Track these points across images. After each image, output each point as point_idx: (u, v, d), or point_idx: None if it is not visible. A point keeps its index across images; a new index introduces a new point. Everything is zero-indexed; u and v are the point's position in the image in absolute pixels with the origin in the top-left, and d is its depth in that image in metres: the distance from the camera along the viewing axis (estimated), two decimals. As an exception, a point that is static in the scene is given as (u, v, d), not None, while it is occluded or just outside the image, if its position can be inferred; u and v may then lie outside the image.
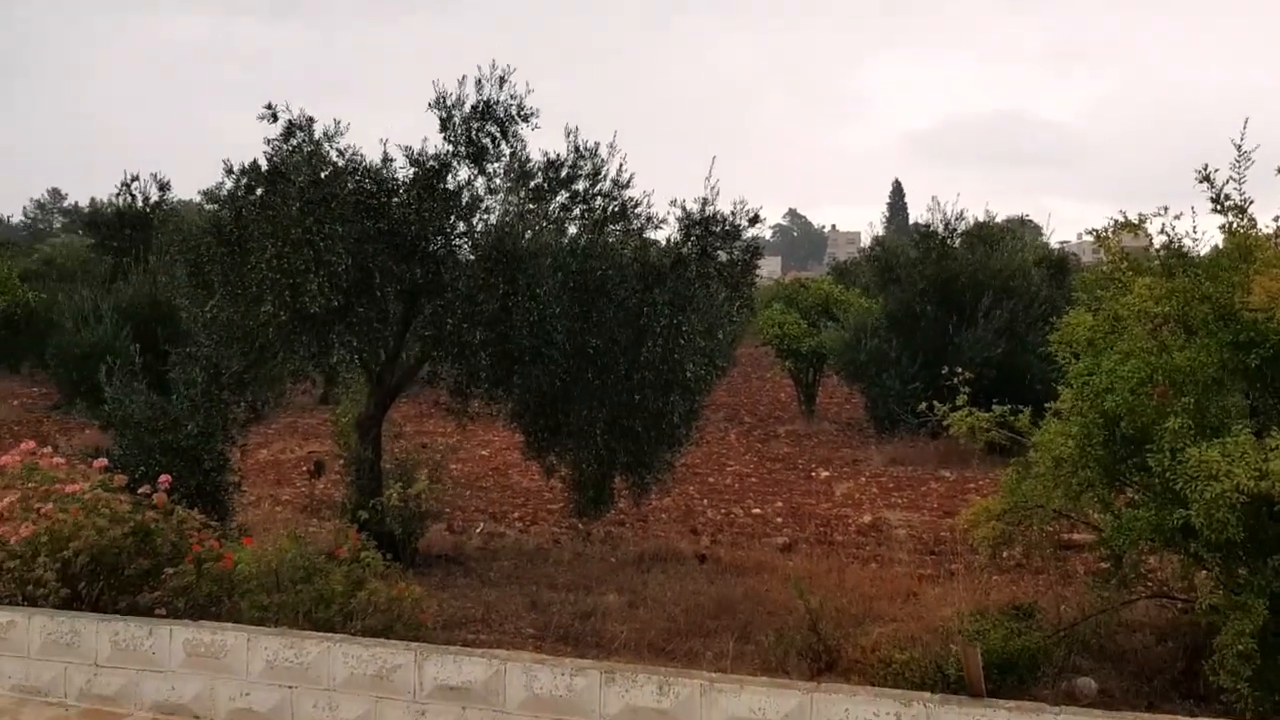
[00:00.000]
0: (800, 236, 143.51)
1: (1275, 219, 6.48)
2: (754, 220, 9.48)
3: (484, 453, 16.19)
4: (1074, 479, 6.44)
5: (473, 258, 9.14)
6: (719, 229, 9.31)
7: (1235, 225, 6.50)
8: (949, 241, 18.96)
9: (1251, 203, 6.45)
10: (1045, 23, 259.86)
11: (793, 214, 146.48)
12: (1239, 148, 6.30)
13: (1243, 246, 6.41)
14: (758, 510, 12.47)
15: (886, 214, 62.33)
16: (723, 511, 12.46)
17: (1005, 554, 7.50)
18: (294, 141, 9.10)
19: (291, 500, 12.61)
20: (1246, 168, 6.33)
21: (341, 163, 8.98)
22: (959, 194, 60.84)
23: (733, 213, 9.35)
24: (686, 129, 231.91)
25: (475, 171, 9.28)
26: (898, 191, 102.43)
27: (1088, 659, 6.56)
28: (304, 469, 14.55)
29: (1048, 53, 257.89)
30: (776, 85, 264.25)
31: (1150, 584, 7.19)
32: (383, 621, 6.32)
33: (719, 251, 9.45)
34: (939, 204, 19.37)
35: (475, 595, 8.59)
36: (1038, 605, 6.98)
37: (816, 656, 6.62)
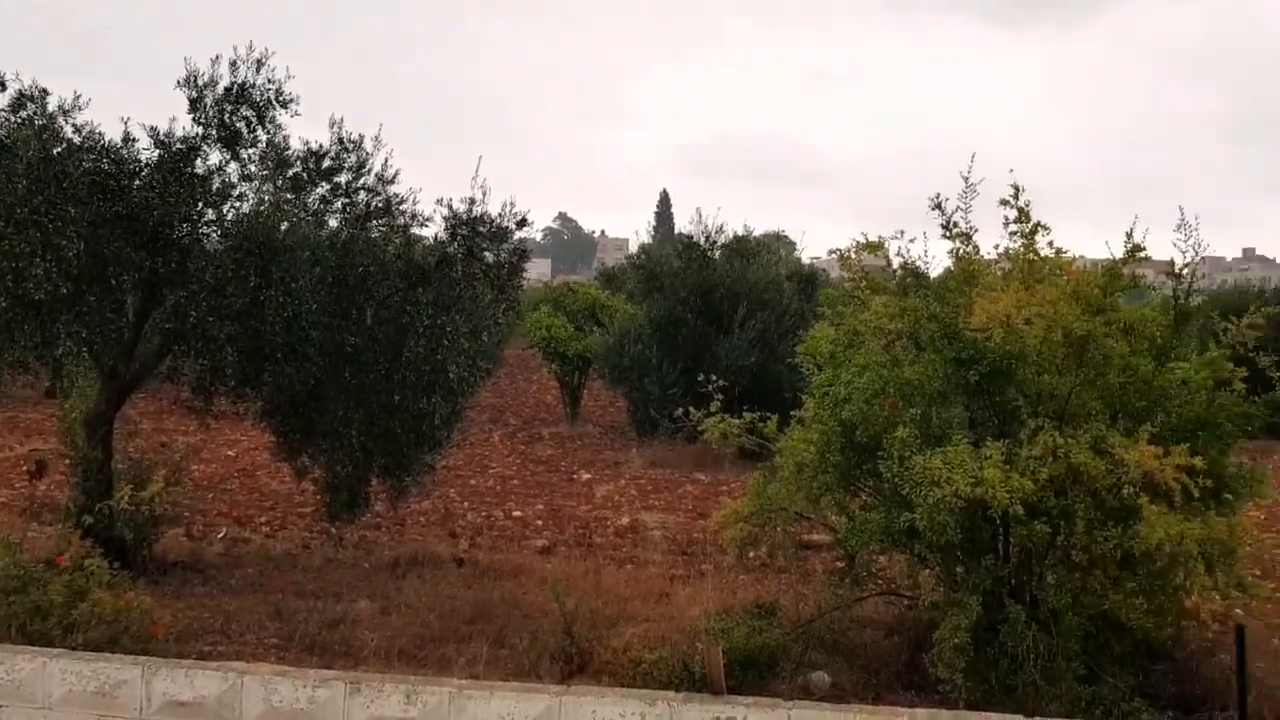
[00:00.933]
0: (571, 240, 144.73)
1: (995, 247, 7.09)
2: (522, 223, 9.47)
3: (230, 453, 15.36)
4: (814, 483, 6.83)
5: (222, 248, 8.65)
6: (486, 229, 9.24)
7: (962, 251, 7.09)
8: (710, 253, 19.64)
9: (976, 231, 7.06)
10: (806, 49, 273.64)
11: (564, 217, 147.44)
12: (966, 180, 6.88)
13: (967, 271, 7.00)
14: (519, 513, 12.46)
15: (654, 223, 63.83)
16: (483, 514, 12.37)
17: (752, 554, 7.83)
18: (24, 114, 8.33)
19: (8, 503, 11.52)
20: (972, 199, 6.92)
21: (78, 139, 8.28)
22: (719, 208, 63.32)
23: (501, 214, 9.30)
24: (461, 128, 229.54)
25: (228, 157, 8.78)
26: (665, 201, 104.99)
27: (823, 654, 6.94)
28: (24, 469, 13.32)
29: (809, 76, 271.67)
30: (552, 89, 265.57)
31: (880, 582, 7.70)
32: (108, 634, 5.89)
33: (486, 252, 9.37)
34: (702, 216, 20.10)
35: (214, 604, 8.13)
36: (779, 603, 7.33)
37: (569, 659, 6.68)
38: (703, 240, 19.85)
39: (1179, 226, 6.84)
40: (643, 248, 25.45)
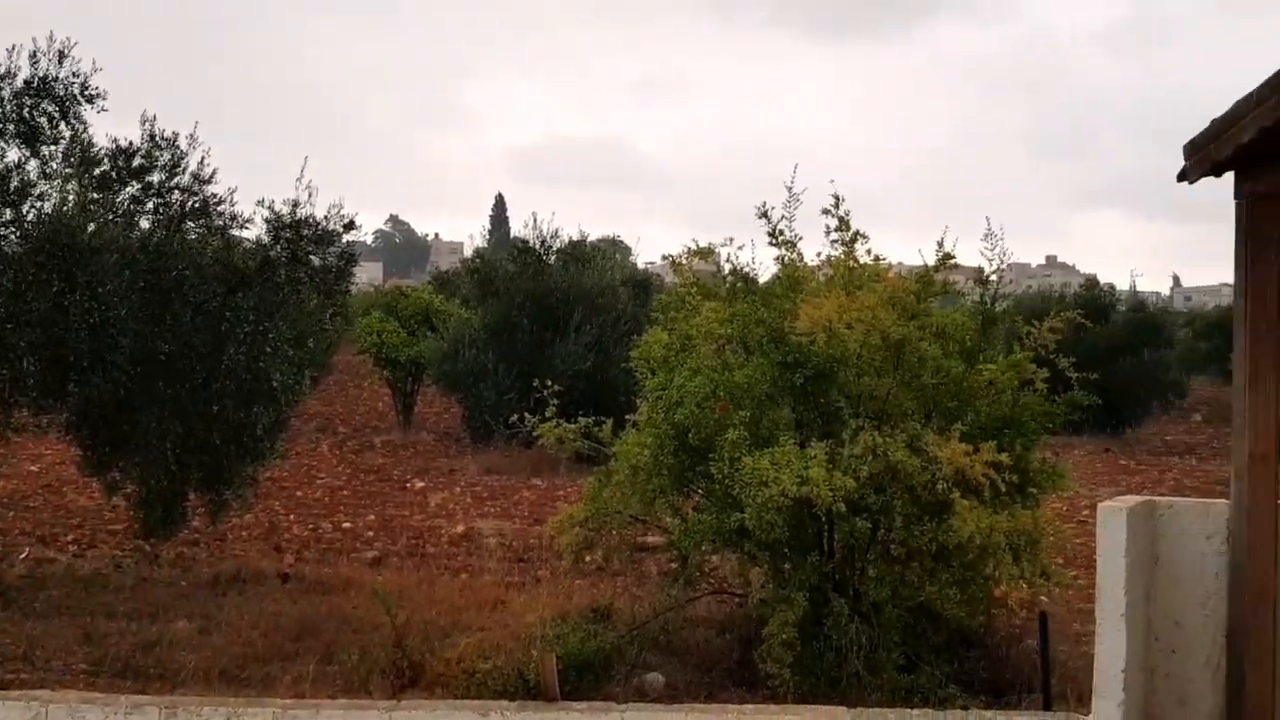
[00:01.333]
0: (403, 243, 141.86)
1: (818, 254, 7.34)
2: (350, 225, 9.21)
3: (33, 468, 14.37)
4: (649, 486, 6.90)
5: (22, 250, 8.07)
6: (311, 232, 8.93)
7: (787, 258, 7.31)
8: (545, 258, 19.61)
9: (801, 239, 7.29)
10: (638, 57, 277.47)
11: (395, 220, 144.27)
12: (790, 189, 7.09)
13: (792, 277, 7.22)
14: (348, 524, 12.12)
15: (489, 226, 63.32)
16: (310, 527, 11.97)
17: (588, 559, 7.86)
18: None
19: None
20: (796, 208, 7.14)
21: None
22: (555, 212, 63.26)
23: (328, 216, 9.01)
24: (287, 128, 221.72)
25: (27, 154, 8.23)
26: (500, 205, 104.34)
27: (657, 655, 7.02)
28: None
29: (641, 84, 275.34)
30: (382, 88, 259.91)
31: (712, 581, 7.85)
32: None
33: (312, 256, 9.07)
34: (537, 220, 20.04)
35: (16, 630, 7.58)
36: (614, 607, 7.38)
37: (401, 673, 6.53)
38: (538, 245, 19.80)
39: (986, 235, 7.27)
40: (478, 252, 25.25)
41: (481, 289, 20.17)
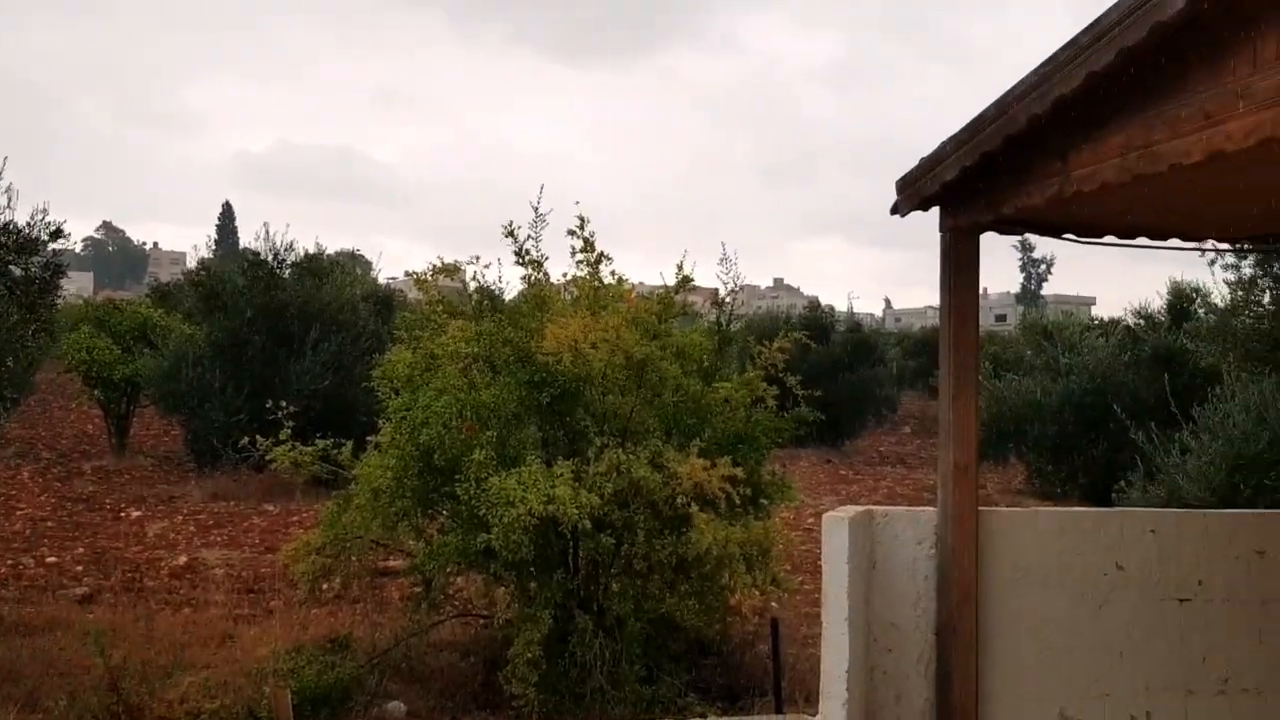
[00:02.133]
0: (118, 252, 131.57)
1: (564, 274, 7.43)
2: (56, 234, 8.46)
3: None
4: (391, 509, 6.72)
5: None
6: (12, 240, 8.15)
7: (533, 277, 7.35)
8: (279, 271, 18.73)
9: (547, 259, 7.35)
10: (376, 67, 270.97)
11: (109, 227, 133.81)
12: (536, 210, 7.14)
13: (539, 297, 7.26)
14: (53, 558, 11.05)
15: (215, 236, 59.54)
16: (10, 562, 10.83)
17: (325, 587, 7.53)
18: None
19: None
20: (543, 228, 7.20)
21: None
22: (289, 224, 60.53)
23: (30, 223, 8.25)
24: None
25: None
26: (228, 214, 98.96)
27: (399, 682, 6.84)
28: None
29: (378, 95, 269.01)
30: (92, 84, 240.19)
31: (457, 604, 7.74)
32: None
33: (12, 266, 8.27)
34: (270, 232, 19.09)
35: None
36: (354, 635, 7.13)
37: (116, 718, 6.02)
38: (271, 257, 18.85)
39: (722, 260, 7.61)
40: (203, 263, 23.67)
41: (207, 303, 18.96)
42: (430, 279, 7.58)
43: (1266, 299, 12.24)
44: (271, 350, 17.61)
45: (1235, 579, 6.18)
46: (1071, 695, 5.99)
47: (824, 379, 22.18)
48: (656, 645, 6.70)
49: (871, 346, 27.73)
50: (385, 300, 22.62)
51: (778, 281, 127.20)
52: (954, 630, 5.75)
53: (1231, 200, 5.17)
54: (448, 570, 6.87)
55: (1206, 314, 14.98)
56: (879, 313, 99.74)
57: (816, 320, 26.96)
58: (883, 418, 28.74)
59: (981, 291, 6.39)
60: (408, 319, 8.44)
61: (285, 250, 19.03)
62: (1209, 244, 6.40)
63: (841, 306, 32.92)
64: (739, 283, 7.90)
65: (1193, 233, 6.15)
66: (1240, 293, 12.51)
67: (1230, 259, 12.37)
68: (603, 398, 6.92)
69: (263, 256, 18.88)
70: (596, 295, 7.24)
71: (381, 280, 28.78)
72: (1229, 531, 6.22)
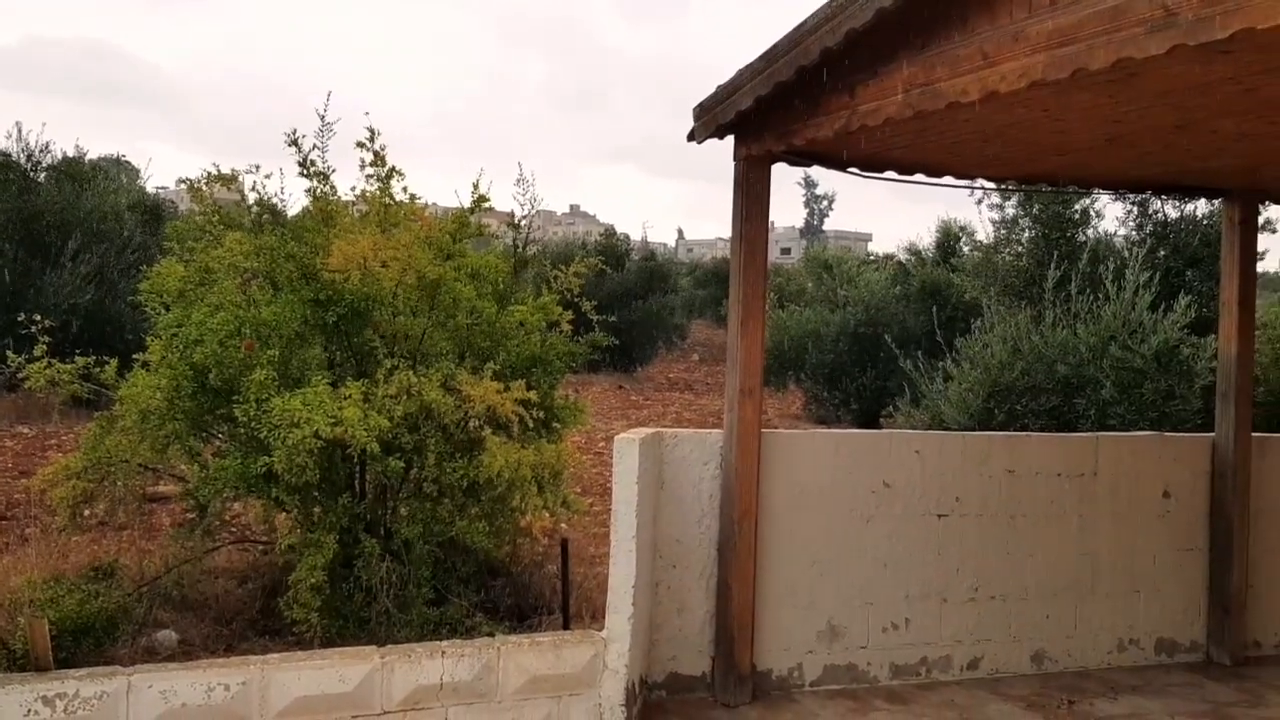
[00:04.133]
0: None
1: (352, 189, 7.11)
2: None
3: None
4: (162, 431, 6.33)
5: None
6: None
7: (319, 190, 6.99)
8: (33, 174, 17.13)
9: (334, 171, 6.98)
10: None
11: None
12: (323, 118, 6.77)
13: (325, 211, 6.93)
14: None
15: (-42, 134, 53.83)
16: None
17: (88, 513, 7.06)
18: None
19: None
20: (329, 138, 6.83)
21: None
22: (45, 124, 55.29)
23: None
24: None
25: None
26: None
27: (170, 611, 6.52)
28: None
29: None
30: None
31: (234, 530, 7.42)
32: None
33: None
34: (23, 131, 17.38)
35: None
36: (120, 564, 6.72)
37: None
38: (24, 159, 17.21)
39: (518, 181, 7.50)
40: (-58, 163, 21.38)
41: (-52, 206, 17.16)
42: (205, 188, 7.09)
43: (1025, 237, 13.20)
44: (25, 260, 16.16)
45: (988, 495, 6.72)
46: (840, 604, 6.40)
47: (618, 306, 22.45)
48: (446, 568, 6.64)
49: (664, 275, 28.20)
50: (154, 210, 21.08)
51: (574, 208, 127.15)
52: (734, 545, 6.00)
53: (1003, 141, 5.50)
54: (225, 495, 6.55)
55: (972, 250, 16.04)
56: (672, 243, 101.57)
57: (612, 248, 27.14)
58: (673, 345, 29.42)
59: (769, 225, 6.56)
60: (179, 229, 7.86)
61: (41, 152, 17.41)
62: (979, 182, 6.81)
63: (636, 235, 33.27)
64: (535, 206, 7.81)
65: (965, 172, 6.52)
66: (1003, 231, 13.44)
67: (996, 199, 13.25)
68: (393, 318, 6.71)
69: (14, 158, 17.20)
70: (388, 212, 6.97)
71: (150, 189, 26.79)
72: (983, 452, 6.75)
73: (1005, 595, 6.75)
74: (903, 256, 20.12)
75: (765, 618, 6.19)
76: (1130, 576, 7.09)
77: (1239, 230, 7.23)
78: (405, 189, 7.10)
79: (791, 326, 17.79)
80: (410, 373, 6.26)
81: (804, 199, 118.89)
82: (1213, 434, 7.38)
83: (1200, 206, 12.39)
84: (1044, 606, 6.84)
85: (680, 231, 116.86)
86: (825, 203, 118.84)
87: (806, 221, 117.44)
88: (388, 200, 7.01)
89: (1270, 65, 4.04)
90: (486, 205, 7.07)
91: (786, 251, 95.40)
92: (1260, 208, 7.70)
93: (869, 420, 16.26)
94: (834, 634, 6.35)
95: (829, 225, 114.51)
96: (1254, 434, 7.39)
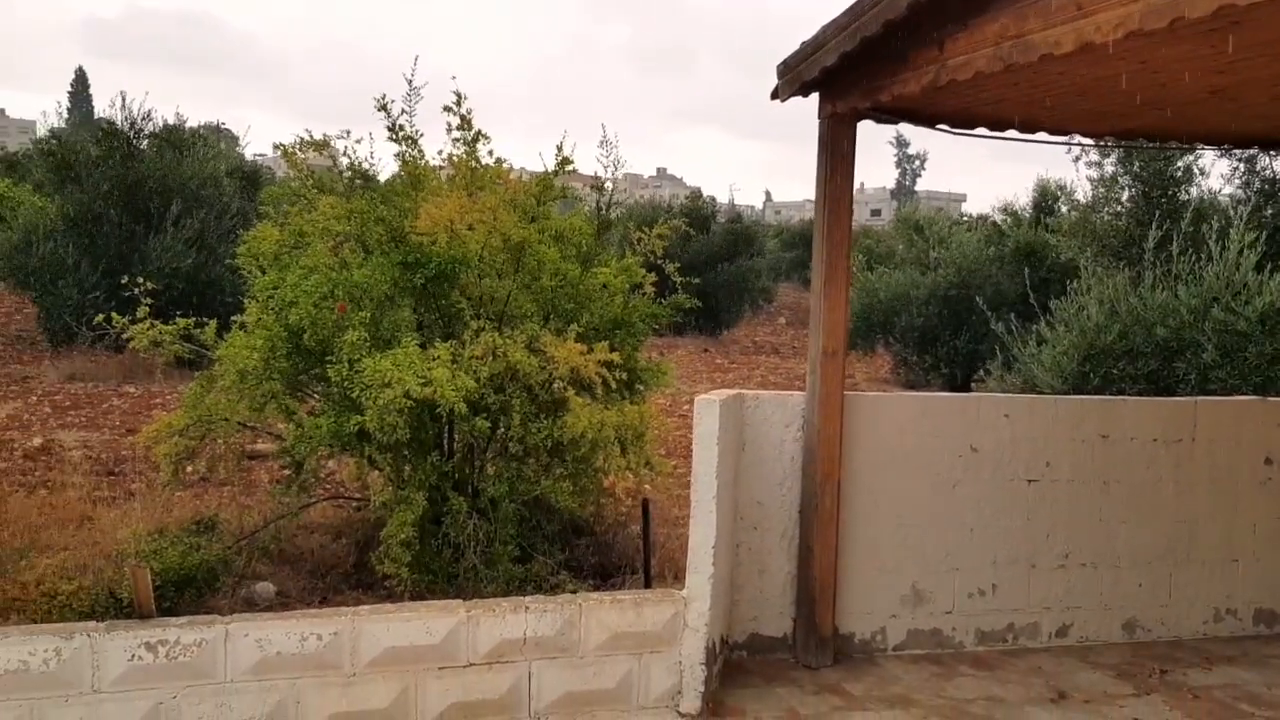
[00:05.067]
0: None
1: (439, 152, 7.20)
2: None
3: None
4: (259, 391, 6.53)
5: None
6: None
7: (408, 154, 7.09)
8: (136, 142, 17.70)
9: (422, 135, 7.09)
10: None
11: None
12: (410, 83, 6.86)
13: (413, 175, 7.03)
14: (-107, 441, 10.48)
15: (68, 105, 55.76)
16: None
17: (189, 469, 7.35)
18: None
19: None
20: (417, 102, 6.92)
21: None
22: (148, 92, 56.85)
23: None
24: None
25: None
26: (81, 81, 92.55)
27: (268, 564, 6.76)
28: None
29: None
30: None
31: (328, 487, 7.65)
32: None
33: None
34: (126, 100, 17.94)
35: None
36: (220, 518, 6.99)
37: (-34, 601, 5.81)
38: (128, 128, 17.78)
39: (601, 143, 7.49)
40: (54, 132, 22.22)
41: (59, 174, 17.86)
42: (299, 153, 7.25)
43: (1125, 196, 12.74)
44: (129, 226, 16.77)
45: (1080, 461, 6.56)
46: (924, 569, 6.33)
47: (703, 269, 22.38)
48: (531, 526, 6.76)
49: (750, 238, 28.00)
50: (251, 176, 21.68)
51: (660, 171, 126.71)
52: (816, 507, 5.97)
53: (1098, 95, 5.31)
54: (319, 453, 6.74)
55: (1069, 210, 15.56)
56: (759, 205, 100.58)
57: (697, 210, 27.02)
58: (759, 308, 29.24)
59: (858, 186, 6.47)
60: (274, 194, 8.07)
61: (143, 120, 17.97)
62: (1074, 139, 6.59)
63: (723, 198, 33.06)
64: (619, 167, 7.80)
65: (1060, 127, 6.31)
66: (1101, 189, 12.99)
67: (1094, 156, 12.80)
68: (479, 280, 6.80)
69: (119, 126, 17.79)
70: (474, 175, 7.04)
71: (248, 156, 27.48)
72: (1076, 417, 6.58)
73: (1097, 562, 6.60)
74: (997, 217, 19.61)
75: (847, 581, 6.16)
76: (1228, 545, 6.86)
77: (1354, 186, 6.87)
78: (491, 152, 7.17)
79: (881, 289, 17.52)
80: (496, 334, 6.35)
81: (895, 159, 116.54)
82: (1321, 399, 7.08)
83: (1314, 162, 11.80)
84: (1137, 574, 6.68)
85: (768, 193, 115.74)
86: (918, 163, 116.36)
87: (898, 182, 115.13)
88: (474, 164, 7.08)
89: (1389, 9, 3.82)
90: (570, 168, 7.09)
91: (877, 213, 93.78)
92: (1379, 162, 7.30)
93: (960, 385, 15.97)
94: (918, 598, 6.29)
95: (921, 186, 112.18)
96: (1366, 400, 7.08)
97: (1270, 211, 11.69)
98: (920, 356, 16.99)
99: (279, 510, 6.92)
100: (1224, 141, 7.33)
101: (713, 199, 31.41)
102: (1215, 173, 17.61)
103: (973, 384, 15.46)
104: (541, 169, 7.14)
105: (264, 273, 6.93)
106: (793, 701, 5.49)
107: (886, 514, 6.24)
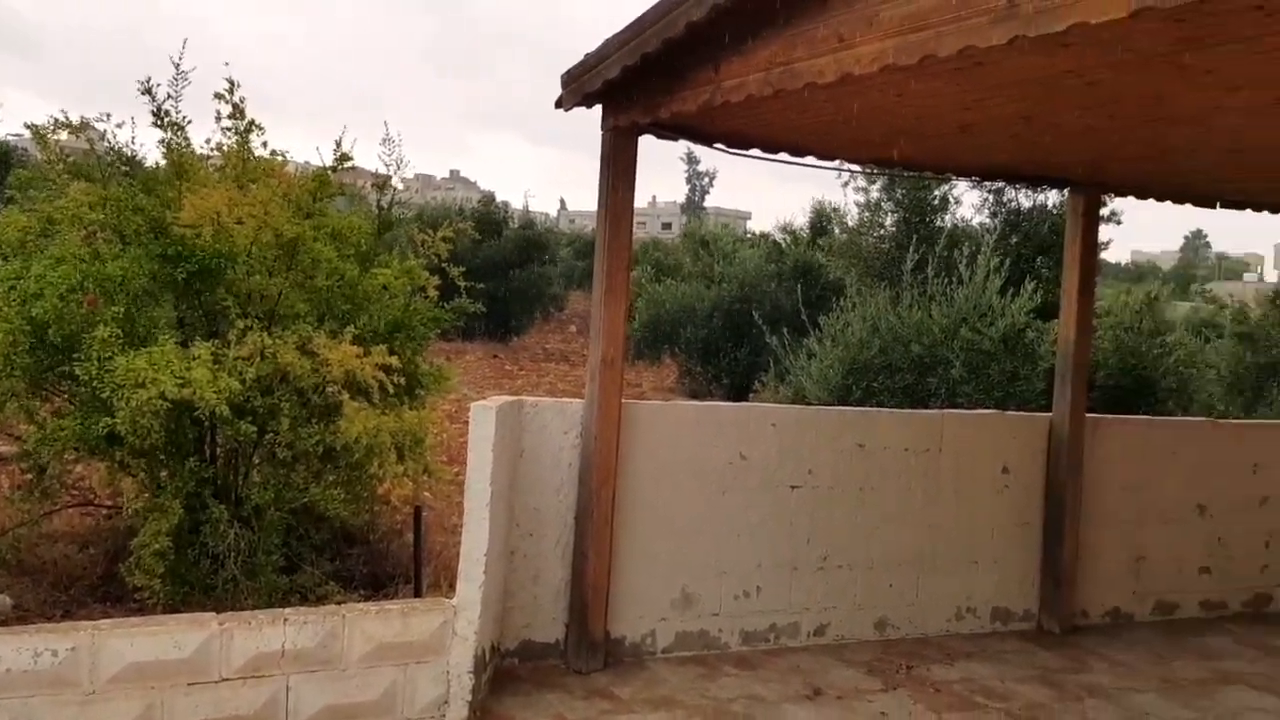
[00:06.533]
0: None
1: (207, 141, 6.85)
2: None
3: None
4: (-4, 390, 6.03)
5: None
6: None
7: (173, 142, 6.72)
8: None
9: (190, 122, 6.72)
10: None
11: None
12: (178, 67, 6.49)
13: (178, 164, 6.66)
14: None
15: None
16: None
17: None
18: None
19: None
20: (184, 87, 6.56)
21: None
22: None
23: None
24: None
25: None
26: None
27: (5, 576, 6.24)
28: None
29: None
30: None
31: (75, 493, 7.13)
32: None
33: None
34: None
35: None
36: (-51, 527, 6.40)
37: None
38: None
39: (384, 141, 7.34)
40: None
41: None
42: (51, 134, 6.74)
43: (889, 221, 13.59)
44: None
45: (840, 469, 6.93)
46: (694, 573, 6.52)
47: (494, 274, 22.24)
48: (299, 535, 6.52)
49: (543, 245, 28.04)
50: (3, 157, 19.97)
51: (454, 173, 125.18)
52: (592, 514, 6.05)
53: (860, 124, 5.64)
54: (65, 457, 6.29)
55: (840, 232, 16.44)
56: (554, 213, 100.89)
57: (489, 215, 26.83)
58: (550, 316, 29.32)
59: (651, 200, 6.64)
60: (22, 177, 7.48)
61: None
62: (841, 164, 6.97)
63: (518, 204, 33.00)
64: (404, 167, 7.65)
65: (827, 152, 6.67)
66: (868, 214, 13.80)
67: (862, 182, 13.60)
68: (248, 277, 6.51)
69: None
70: (245, 167, 6.75)
71: (2, 135, 25.28)
72: (837, 427, 6.95)
73: (852, 565, 6.99)
74: (778, 235, 20.49)
75: (621, 585, 6.26)
76: (970, 548, 7.42)
77: (1081, 221, 7.59)
78: (265, 144, 6.89)
79: (668, 301, 17.95)
80: (265, 334, 6.10)
81: (686, 175, 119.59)
82: (1050, 414, 7.76)
83: (1052, 196, 12.97)
84: (888, 576, 7.11)
85: (563, 201, 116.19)
86: (707, 179, 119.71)
87: (688, 197, 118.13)
88: (246, 155, 6.79)
89: (1108, 60, 4.24)
90: (349, 164, 6.91)
91: (668, 226, 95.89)
92: (1104, 200, 8.09)
93: (740, 395, 16.55)
94: (687, 601, 6.47)
95: (710, 202, 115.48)
96: (1089, 415, 7.81)
97: (1014, 240, 12.75)
98: (704, 367, 17.51)
99: (18, 518, 6.40)
100: (973, 174, 7.95)
101: (506, 204, 31.33)
102: (968, 202, 19.06)
103: (750, 394, 16.06)
104: (321, 165, 6.92)
105: (6, 261, 6.40)
106: (561, 707, 5.53)
107: (660, 520, 6.39)
